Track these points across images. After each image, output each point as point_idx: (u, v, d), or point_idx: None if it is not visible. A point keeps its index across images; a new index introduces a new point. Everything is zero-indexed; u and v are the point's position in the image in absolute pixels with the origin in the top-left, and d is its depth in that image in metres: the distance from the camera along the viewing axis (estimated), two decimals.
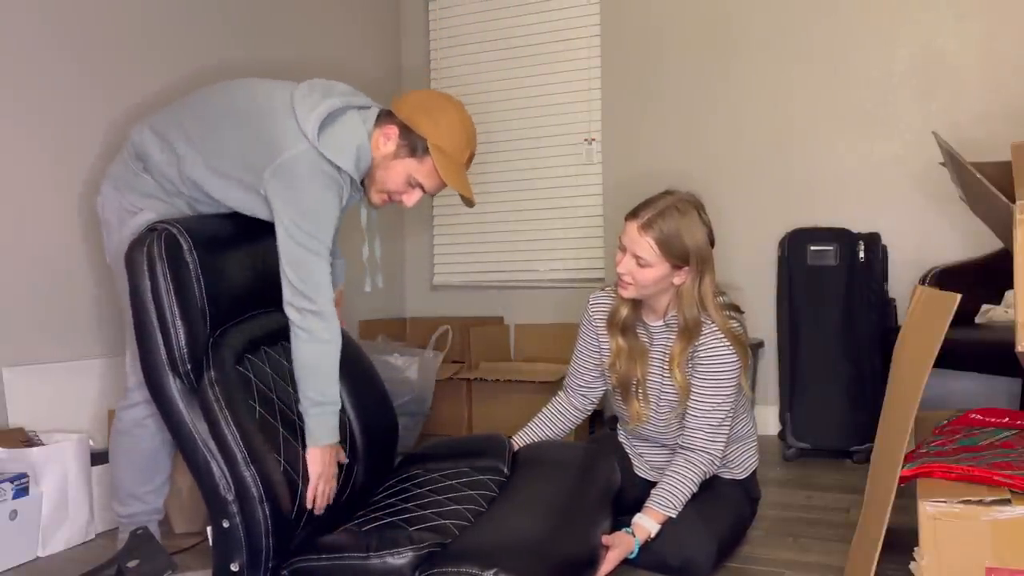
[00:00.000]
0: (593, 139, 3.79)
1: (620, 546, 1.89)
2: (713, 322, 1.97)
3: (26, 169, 2.36)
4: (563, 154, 3.86)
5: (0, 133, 2.30)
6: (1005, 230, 1.68)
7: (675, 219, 1.92)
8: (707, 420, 1.99)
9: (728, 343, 1.97)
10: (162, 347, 1.75)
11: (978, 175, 1.78)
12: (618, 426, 2.32)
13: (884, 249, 3.11)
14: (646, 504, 1.96)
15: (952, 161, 2.02)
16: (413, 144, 1.89)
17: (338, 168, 1.83)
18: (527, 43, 3.89)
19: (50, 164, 2.42)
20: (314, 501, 1.83)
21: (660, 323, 2.07)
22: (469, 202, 1.98)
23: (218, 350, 1.79)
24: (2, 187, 2.30)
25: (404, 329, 4.03)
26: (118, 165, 1.99)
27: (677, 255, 1.93)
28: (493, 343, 3.78)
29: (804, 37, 3.38)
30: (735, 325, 2.00)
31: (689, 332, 1.99)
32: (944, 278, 2.90)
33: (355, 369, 2.10)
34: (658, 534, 1.93)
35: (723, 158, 3.52)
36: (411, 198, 1.97)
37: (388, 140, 1.90)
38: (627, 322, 2.09)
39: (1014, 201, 1.58)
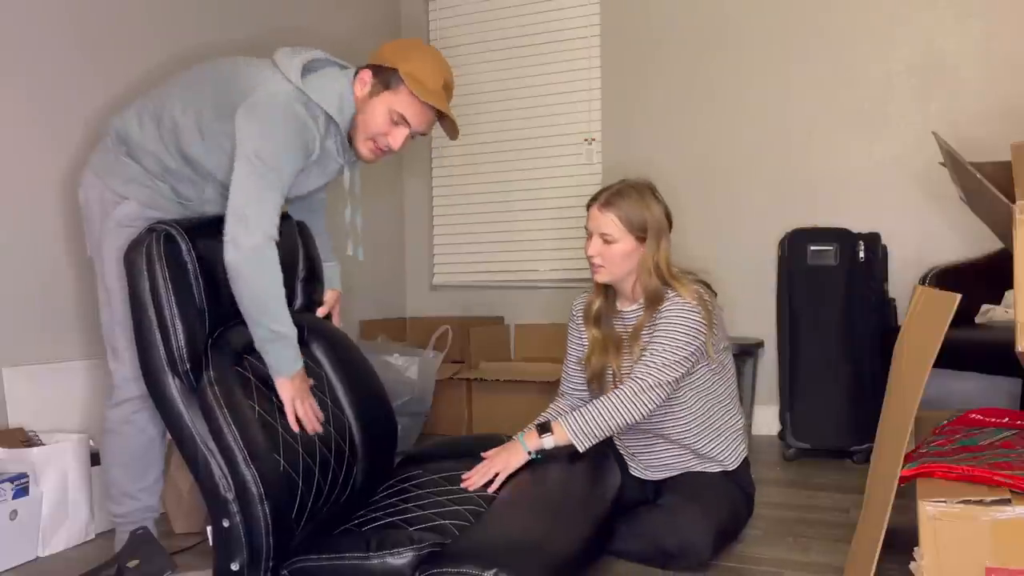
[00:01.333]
0: (593, 139, 3.79)
1: (501, 453, 1.98)
2: (676, 292, 2.03)
3: (19, 166, 2.36)
4: (563, 154, 3.86)
5: None
6: (1005, 230, 1.68)
7: (632, 195, 2.06)
8: (654, 356, 1.99)
9: (691, 304, 2.01)
10: (161, 347, 1.75)
11: (978, 175, 1.77)
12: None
13: (884, 249, 3.11)
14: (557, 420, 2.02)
15: (952, 161, 2.02)
16: (386, 78, 1.91)
17: (323, 112, 1.87)
18: (527, 43, 3.89)
19: (38, 161, 2.41)
20: (302, 425, 1.86)
21: (634, 307, 2.13)
22: (453, 128, 1.98)
23: (217, 351, 1.80)
24: None
25: (404, 329, 4.03)
26: (99, 152, 2.00)
27: (638, 227, 2.04)
28: (493, 343, 3.78)
29: (804, 37, 3.38)
30: (700, 290, 2.06)
31: (650, 302, 2.06)
32: (944, 278, 2.90)
33: (354, 370, 2.10)
34: (655, 522, 1.96)
35: (723, 158, 3.52)
36: (397, 138, 1.95)
37: (364, 84, 1.92)
38: (600, 312, 2.17)
39: (1014, 201, 1.58)
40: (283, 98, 1.83)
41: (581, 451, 1.98)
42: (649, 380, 1.97)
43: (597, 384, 2.17)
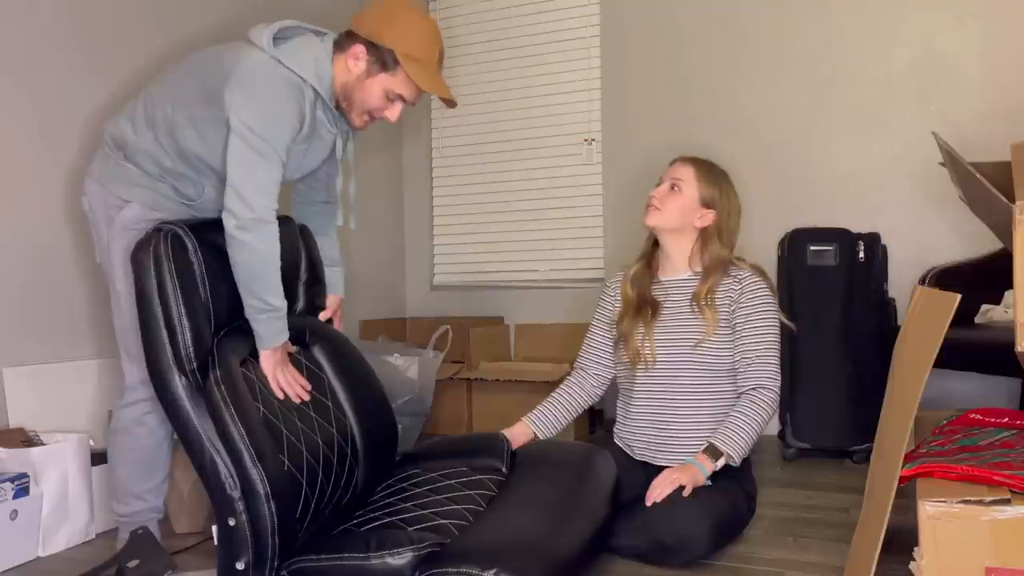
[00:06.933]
0: (593, 139, 3.79)
1: (685, 470, 2.01)
2: (751, 270, 2.16)
3: (19, 166, 2.36)
4: (563, 154, 3.86)
5: None
6: (1005, 230, 1.68)
7: (716, 170, 2.24)
8: (767, 357, 2.11)
9: (764, 283, 2.15)
10: (168, 346, 1.75)
11: (978, 175, 1.77)
12: (615, 428, 2.33)
13: (884, 249, 3.11)
14: (709, 441, 2.07)
15: (952, 161, 2.02)
16: (382, 58, 1.91)
17: (302, 79, 1.86)
18: (527, 43, 3.89)
19: (37, 159, 2.41)
20: (288, 394, 1.90)
21: (685, 275, 2.21)
22: (450, 102, 2.01)
23: (223, 350, 1.80)
24: None
25: (404, 329, 4.03)
26: (98, 159, 2.01)
27: (708, 194, 2.18)
28: (493, 343, 3.78)
29: (804, 37, 3.38)
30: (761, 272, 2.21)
31: (712, 272, 2.16)
32: (944, 278, 2.90)
33: (356, 374, 2.11)
34: (653, 516, 1.96)
35: (723, 158, 3.46)
36: (393, 112, 1.98)
37: (357, 60, 1.92)
38: (638, 275, 2.25)
39: (1014, 201, 1.58)
40: (264, 66, 1.83)
41: (736, 464, 2.07)
42: (775, 390, 2.11)
43: (625, 345, 2.22)
